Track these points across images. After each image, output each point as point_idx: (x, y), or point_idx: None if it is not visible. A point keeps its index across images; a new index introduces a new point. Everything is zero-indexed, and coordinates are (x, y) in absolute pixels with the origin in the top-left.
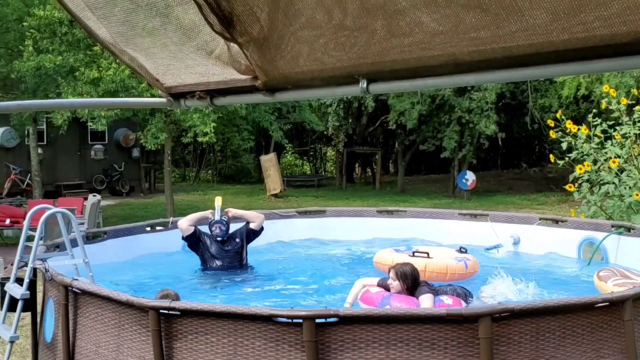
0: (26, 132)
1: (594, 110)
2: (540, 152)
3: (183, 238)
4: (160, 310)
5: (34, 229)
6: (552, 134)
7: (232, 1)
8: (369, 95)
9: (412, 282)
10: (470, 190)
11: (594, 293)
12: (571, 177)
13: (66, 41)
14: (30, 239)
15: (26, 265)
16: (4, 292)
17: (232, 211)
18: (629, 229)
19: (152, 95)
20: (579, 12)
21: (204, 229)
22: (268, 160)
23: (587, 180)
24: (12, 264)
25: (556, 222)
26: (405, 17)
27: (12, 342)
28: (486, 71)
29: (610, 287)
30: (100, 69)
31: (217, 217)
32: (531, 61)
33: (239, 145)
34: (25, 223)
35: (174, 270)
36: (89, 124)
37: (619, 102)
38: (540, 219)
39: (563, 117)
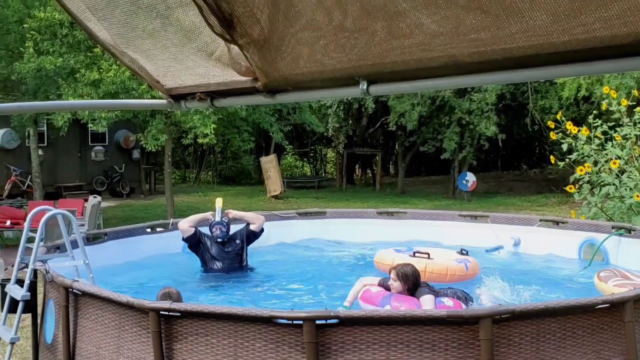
0: (27, 133)
1: (595, 112)
2: (540, 153)
3: (183, 239)
4: (161, 312)
5: (34, 231)
6: (553, 136)
7: (233, 3)
8: (369, 96)
9: (412, 283)
10: (470, 191)
11: (595, 294)
12: (571, 179)
13: (67, 43)
14: (30, 240)
15: (27, 266)
16: (5, 294)
17: (233, 213)
18: (629, 230)
19: (153, 97)
20: (579, 13)
21: (205, 230)
22: (268, 162)
23: (588, 182)
24: (12, 266)
25: (557, 223)
26: (405, 18)
27: (12, 343)
28: (486, 72)
29: (610, 288)
30: (101, 70)
31: (217, 219)
32: (531, 62)
33: (239, 147)
34: (26, 224)
35: (174, 272)
36: (90, 125)
37: (619, 104)
38: (540, 221)
39: (563, 118)
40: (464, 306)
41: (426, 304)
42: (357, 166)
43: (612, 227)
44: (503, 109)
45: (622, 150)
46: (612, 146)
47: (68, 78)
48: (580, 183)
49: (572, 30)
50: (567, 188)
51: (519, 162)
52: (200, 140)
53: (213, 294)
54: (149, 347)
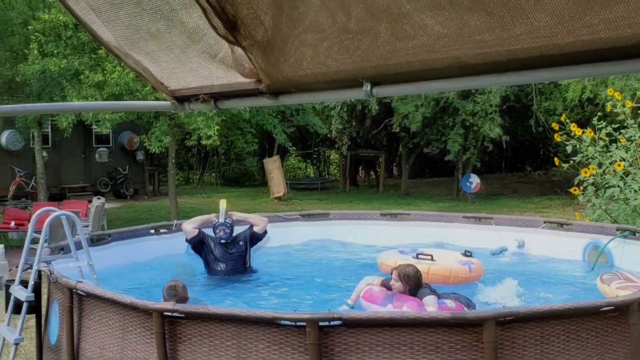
0: (31, 135)
1: (599, 113)
2: (545, 155)
3: (187, 240)
4: (164, 313)
5: (38, 232)
6: (557, 138)
7: (236, 5)
8: (373, 98)
9: (414, 284)
10: (474, 193)
11: (599, 297)
12: (576, 181)
13: (71, 45)
14: (35, 241)
15: (31, 267)
16: (9, 295)
17: (236, 214)
18: (633, 233)
19: (157, 99)
20: (584, 14)
21: (208, 231)
22: (272, 163)
23: (592, 184)
24: (16, 267)
25: (561, 225)
26: (409, 20)
27: (16, 344)
28: (491, 74)
29: (613, 291)
30: (105, 72)
31: (221, 220)
32: (536, 64)
33: (243, 148)
34: (30, 226)
35: (178, 273)
36: (94, 127)
37: (624, 105)
38: (545, 223)
39: (567, 120)
40: (465, 309)
41: (429, 304)
42: (360, 168)
43: (617, 229)
44: (507, 110)
45: (626, 152)
46: (616, 148)
47: (72, 80)
48: (585, 185)
49: (576, 31)
50: (572, 190)
51: (523, 164)
52: (203, 142)
53: (216, 295)
54: (153, 348)
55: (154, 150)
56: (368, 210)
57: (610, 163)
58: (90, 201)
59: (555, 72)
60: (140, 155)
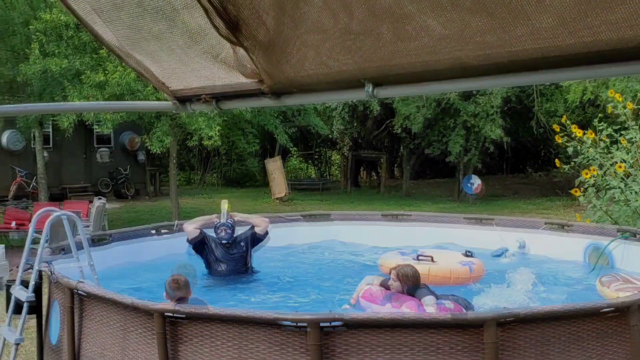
0: (32, 135)
1: (600, 115)
2: (546, 156)
3: (188, 241)
4: (166, 314)
5: (39, 232)
6: (558, 139)
7: (239, 5)
8: (375, 99)
9: (412, 284)
10: (477, 194)
11: (599, 298)
12: (577, 182)
13: (72, 45)
14: (35, 242)
15: (32, 268)
16: (10, 295)
17: (238, 215)
18: (634, 234)
19: (158, 99)
20: (586, 16)
21: (210, 232)
22: (273, 164)
23: (593, 185)
24: (17, 267)
25: (562, 226)
26: (411, 21)
27: (17, 344)
28: (492, 75)
29: (613, 293)
30: (106, 72)
31: (223, 220)
32: (537, 65)
33: (244, 149)
34: (31, 226)
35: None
36: (95, 127)
37: (624, 107)
38: (546, 224)
39: (568, 121)
40: (464, 311)
41: (428, 304)
42: (362, 169)
43: (618, 231)
44: (508, 112)
45: (627, 153)
46: (617, 149)
47: (73, 80)
48: (586, 186)
49: (578, 33)
50: (573, 191)
51: (524, 166)
52: (205, 143)
53: (217, 296)
54: (154, 349)
55: (155, 150)
56: (369, 211)
57: (611, 164)
58: (91, 202)
59: (556, 73)
60: (141, 156)
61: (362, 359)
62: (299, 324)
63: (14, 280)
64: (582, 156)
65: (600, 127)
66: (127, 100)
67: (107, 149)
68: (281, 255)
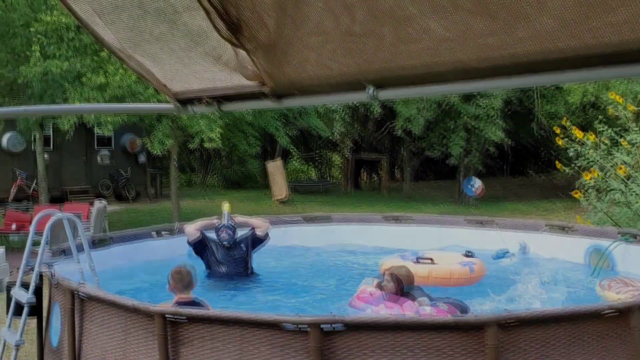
0: (32, 137)
1: (601, 117)
2: (547, 158)
3: (189, 243)
4: (166, 316)
5: (40, 234)
6: (559, 141)
7: (240, 7)
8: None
9: (406, 285)
10: (478, 197)
11: (602, 301)
12: (578, 184)
13: (73, 46)
14: (36, 244)
15: (32, 270)
16: (10, 297)
17: (239, 218)
18: (635, 236)
19: (159, 101)
20: (587, 18)
21: (211, 234)
22: (274, 166)
23: (594, 187)
24: (18, 269)
25: (563, 229)
26: (413, 23)
27: (17, 347)
28: (494, 78)
29: (613, 295)
30: (107, 74)
31: (224, 222)
32: (539, 68)
33: (245, 151)
34: (32, 228)
35: None
36: (96, 129)
37: (625, 109)
38: (546, 226)
39: (569, 123)
40: (458, 313)
41: (423, 304)
42: (363, 171)
43: (619, 233)
44: (510, 114)
45: (628, 155)
46: (618, 152)
47: (74, 82)
48: (587, 188)
49: (580, 35)
50: (574, 193)
51: (525, 167)
52: (206, 145)
53: (218, 298)
54: (155, 351)
55: (156, 152)
56: (370, 213)
57: (612, 166)
58: (91, 204)
59: (558, 75)
60: (142, 158)
61: None
62: (299, 326)
63: (15, 282)
64: (583, 158)
65: (601, 129)
66: (128, 102)
67: (107, 151)
68: (282, 258)
